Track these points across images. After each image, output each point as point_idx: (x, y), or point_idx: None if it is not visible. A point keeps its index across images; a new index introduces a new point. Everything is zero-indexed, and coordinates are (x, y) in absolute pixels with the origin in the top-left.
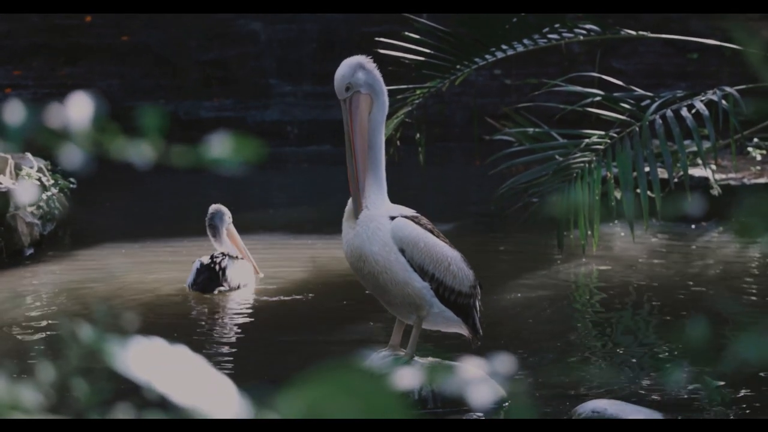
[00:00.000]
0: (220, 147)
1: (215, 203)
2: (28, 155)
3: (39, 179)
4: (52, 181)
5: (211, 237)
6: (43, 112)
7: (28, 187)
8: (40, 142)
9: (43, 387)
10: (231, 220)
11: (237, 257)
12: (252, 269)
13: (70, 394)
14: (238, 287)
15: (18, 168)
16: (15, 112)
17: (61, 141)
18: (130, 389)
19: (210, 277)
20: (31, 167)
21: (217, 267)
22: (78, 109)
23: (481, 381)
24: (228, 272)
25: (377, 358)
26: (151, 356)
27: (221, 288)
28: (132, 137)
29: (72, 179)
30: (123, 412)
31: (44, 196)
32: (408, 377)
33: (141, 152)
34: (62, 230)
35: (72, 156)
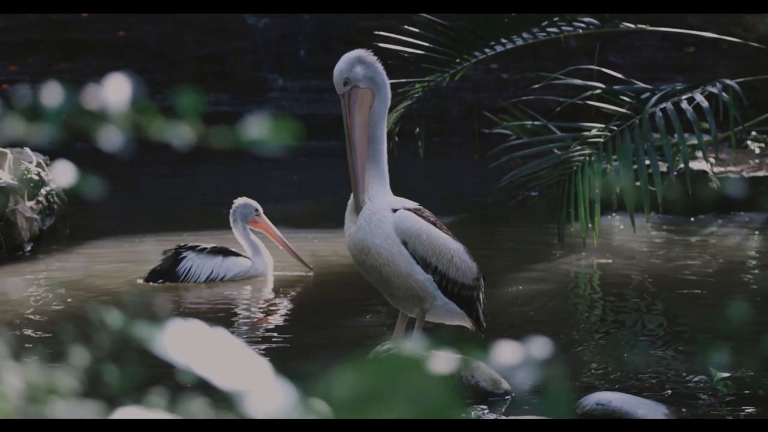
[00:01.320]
0: (258, 128)
1: (240, 196)
2: (27, 150)
3: (38, 174)
4: (51, 176)
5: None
6: (80, 94)
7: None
8: (78, 124)
9: (76, 373)
10: (258, 212)
11: (223, 251)
12: (242, 261)
13: (100, 381)
14: (202, 281)
15: (17, 163)
16: (53, 95)
17: (100, 123)
18: (158, 375)
19: (163, 268)
20: (30, 162)
21: (173, 258)
22: (116, 91)
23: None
24: (185, 265)
25: (380, 351)
26: (189, 339)
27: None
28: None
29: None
30: (154, 398)
31: (43, 191)
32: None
33: (180, 133)
34: (62, 225)
35: (112, 138)
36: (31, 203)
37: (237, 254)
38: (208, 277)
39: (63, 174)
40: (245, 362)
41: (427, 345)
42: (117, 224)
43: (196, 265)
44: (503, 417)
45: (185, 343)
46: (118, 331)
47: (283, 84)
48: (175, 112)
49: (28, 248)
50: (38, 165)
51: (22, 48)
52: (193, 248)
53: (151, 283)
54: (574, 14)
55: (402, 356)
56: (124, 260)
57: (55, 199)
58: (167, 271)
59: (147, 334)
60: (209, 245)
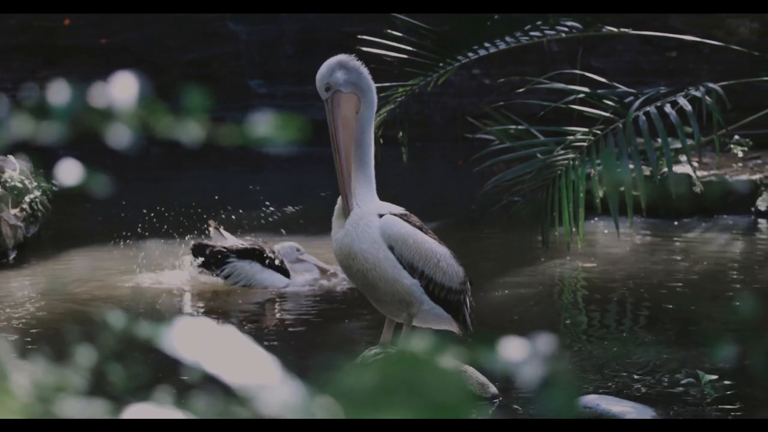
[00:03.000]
0: (264, 125)
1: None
2: (11, 158)
3: (22, 182)
4: (35, 184)
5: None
6: (87, 91)
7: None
8: (86, 122)
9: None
10: (300, 251)
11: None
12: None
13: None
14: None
15: (0, 171)
16: (60, 93)
17: (107, 120)
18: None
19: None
20: (14, 170)
21: (215, 257)
22: (123, 88)
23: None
24: (226, 268)
25: (368, 355)
26: (197, 336)
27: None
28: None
29: (54, 182)
30: (158, 398)
31: (27, 199)
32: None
33: (188, 131)
34: (46, 232)
35: (120, 136)
36: (15, 211)
37: (277, 266)
38: (241, 284)
39: (69, 172)
40: (254, 359)
41: (421, 346)
42: (102, 230)
43: (237, 272)
44: (500, 417)
45: (193, 340)
46: (120, 331)
47: (266, 90)
48: (177, 112)
49: (13, 256)
50: (22, 172)
51: (3, 54)
52: (237, 252)
53: (195, 258)
54: (558, 15)
55: (412, 354)
56: (109, 266)
57: (40, 206)
58: (207, 263)
59: (153, 333)
60: (249, 244)
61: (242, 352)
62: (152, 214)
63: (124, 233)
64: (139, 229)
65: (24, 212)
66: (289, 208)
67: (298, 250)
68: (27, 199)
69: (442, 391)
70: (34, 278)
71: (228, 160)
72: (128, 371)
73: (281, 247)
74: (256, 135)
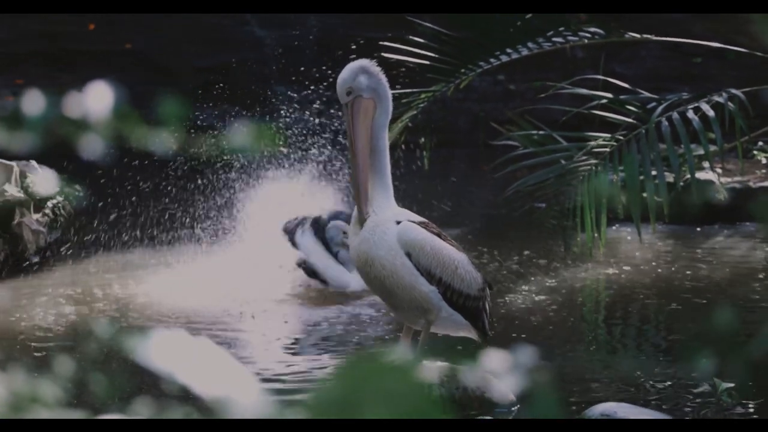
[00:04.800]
0: (239, 136)
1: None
2: (33, 162)
3: (44, 187)
4: (58, 189)
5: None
6: (62, 102)
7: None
8: (60, 131)
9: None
10: (344, 236)
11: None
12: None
13: (89, 391)
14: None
15: (23, 176)
16: (34, 103)
17: (81, 130)
18: (148, 385)
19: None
20: (37, 174)
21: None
22: (98, 99)
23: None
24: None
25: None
26: (172, 348)
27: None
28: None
29: (78, 187)
30: (141, 407)
31: (50, 204)
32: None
33: (162, 141)
34: (68, 238)
35: (92, 145)
36: (38, 216)
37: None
38: (319, 279)
39: (44, 182)
40: (227, 370)
41: (415, 354)
42: (124, 236)
43: (320, 269)
44: (499, 418)
45: (169, 352)
46: (109, 341)
47: (288, 95)
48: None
49: (35, 261)
50: (44, 177)
51: (25, 60)
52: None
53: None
54: (579, 23)
55: (377, 362)
56: (132, 272)
57: (62, 211)
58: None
59: (132, 345)
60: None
61: (215, 363)
62: (178, 219)
63: (148, 239)
64: (164, 235)
65: (46, 217)
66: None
67: (344, 232)
68: (50, 204)
69: (407, 400)
70: (55, 283)
71: (259, 161)
72: (113, 381)
73: (331, 225)
74: (231, 145)
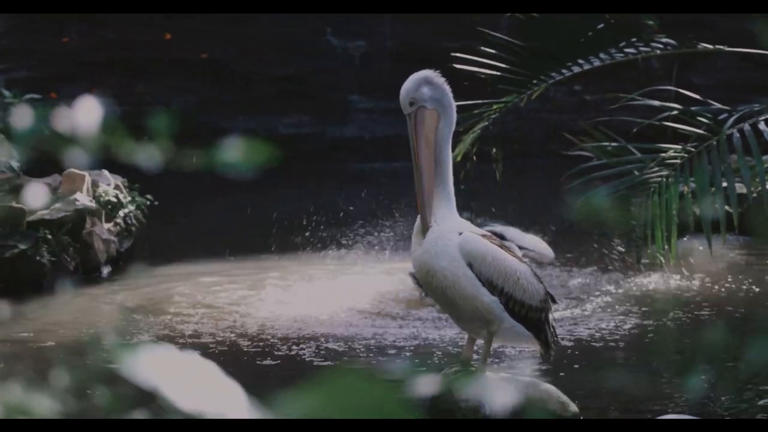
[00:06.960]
0: (232, 150)
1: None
2: (105, 172)
3: (116, 196)
4: (129, 198)
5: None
6: (51, 115)
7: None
8: (49, 146)
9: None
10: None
11: None
12: None
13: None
14: None
15: (95, 185)
16: (23, 117)
17: (69, 144)
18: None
19: None
20: (108, 184)
21: None
22: (86, 113)
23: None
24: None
25: (447, 373)
26: (161, 363)
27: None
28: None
29: (149, 196)
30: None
31: (121, 213)
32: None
33: (149, 155)
34: (139, 247)
35: (78, 159)
36: (109, 225)
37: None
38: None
39: (36, 197)
40: (215, 386)
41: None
42: (197, 246)
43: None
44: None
45: (156, 368)
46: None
47: (364, 105)
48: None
49: (106, 271)
50: (116, 187)
51: (102, 69)
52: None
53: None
54: (651, 34)
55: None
56: (203, 283)
57: (134, 221)
58: None
59: (122, 357)
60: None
61: (203, 378)
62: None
63: (221, 249)
64: (237, 245)
65: (118, 227)
66: (380, 224)
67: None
68: (121, 213)
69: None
70: (124, 293)
71: (331, 173)
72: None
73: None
74: (223, 160)
